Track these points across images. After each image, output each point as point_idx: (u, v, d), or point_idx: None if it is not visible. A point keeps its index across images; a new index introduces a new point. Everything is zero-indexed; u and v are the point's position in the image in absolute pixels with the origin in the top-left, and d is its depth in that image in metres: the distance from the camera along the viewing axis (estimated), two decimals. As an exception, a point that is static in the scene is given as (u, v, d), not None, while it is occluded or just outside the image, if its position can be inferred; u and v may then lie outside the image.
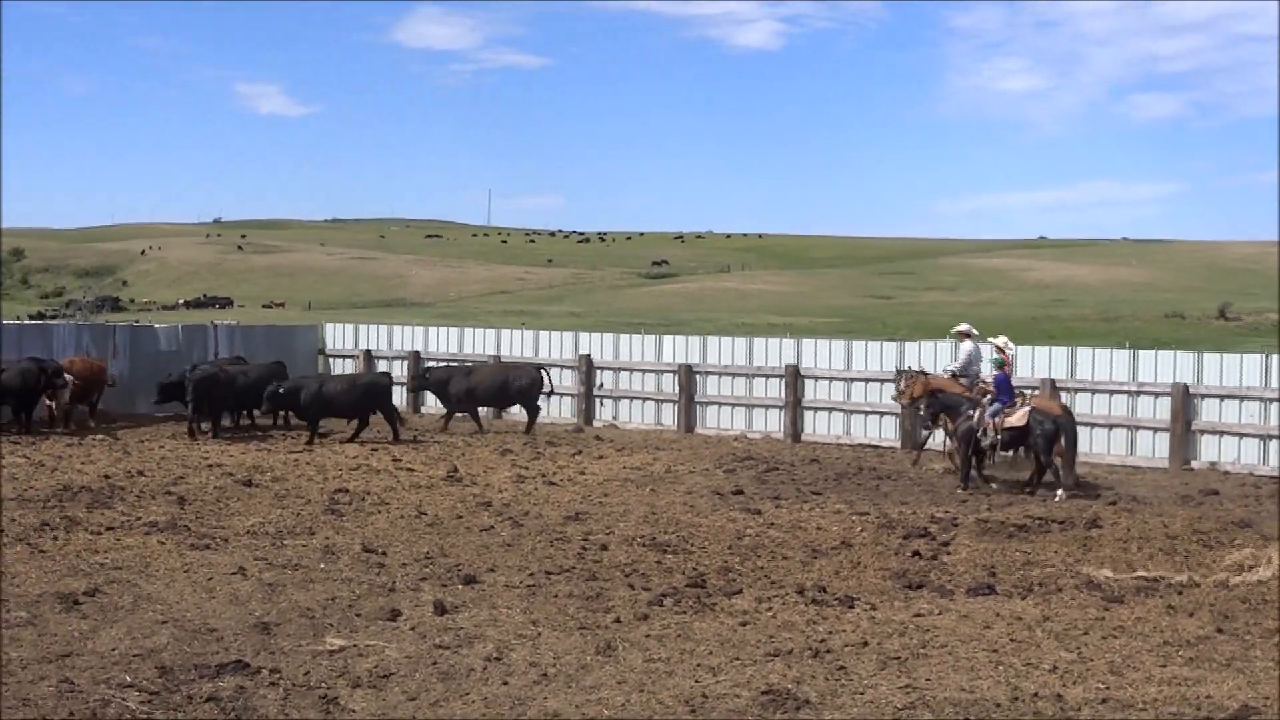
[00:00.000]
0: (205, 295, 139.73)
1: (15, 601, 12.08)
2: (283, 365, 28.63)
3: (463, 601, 12.45)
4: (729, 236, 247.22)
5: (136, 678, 9.83)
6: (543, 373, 27.85)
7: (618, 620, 11.87)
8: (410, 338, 31.94)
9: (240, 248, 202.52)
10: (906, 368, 23.82)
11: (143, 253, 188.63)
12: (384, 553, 14.65)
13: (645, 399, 28.46)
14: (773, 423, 26.75)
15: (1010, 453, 20.97)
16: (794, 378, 26.44)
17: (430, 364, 29.72)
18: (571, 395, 29.24)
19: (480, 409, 27.82)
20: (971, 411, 20.55)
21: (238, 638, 11.04)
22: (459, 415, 27.68)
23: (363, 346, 32.13)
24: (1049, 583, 13.63)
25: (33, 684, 9.63)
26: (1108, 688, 10.00)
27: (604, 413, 28.98)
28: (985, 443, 20.38)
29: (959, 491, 20.00)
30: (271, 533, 15.76)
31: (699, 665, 10.47)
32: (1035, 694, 9.80)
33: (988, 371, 21.50)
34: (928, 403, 21.41)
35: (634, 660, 10.58)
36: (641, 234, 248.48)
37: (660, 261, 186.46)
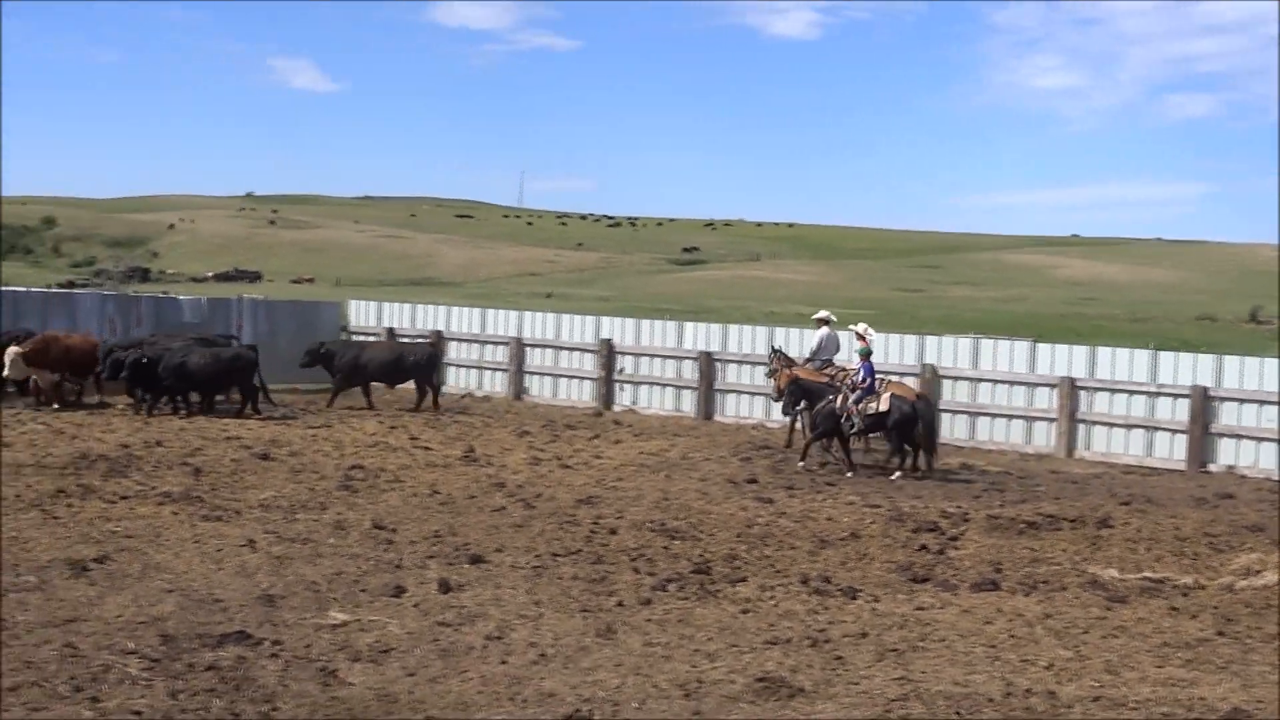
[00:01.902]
0: (235, 268, 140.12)
1: (25, 566, 12.22)
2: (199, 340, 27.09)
3: (468, 580, 12.53)
4: (760, 225, 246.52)
5: (139, 644, 9.95)
6: (436, 350, 28.48)
7: (620, 604, 11.94)
8: (433, 317, 32.06)
9: (272, 222, 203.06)
10: (777, 348, 24.62)
11: (171, 226, 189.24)
12: (394, 530, 14.75)
13: (665, 385, 28.52)
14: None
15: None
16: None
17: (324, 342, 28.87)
18: (592, 379, 29.32)
19: (372, 384, 27.86)
20: (832, 397, 21.13)
21: (242, 609, 11.16)
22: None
23: (386, 324, 32.26)
24: (1054, 580, 13.65)
25: (36, 647, 9.76)
26: (1101, 686, 10.03)
27: (624, 398, 29.05)
28: (849, 429, 21.01)
29: (800, 465, 21.07)
30: (284, 506, 15.88)
31: (697, 651, 10.54)
32: (1028, 690, 9.84)
33: (854, 360, 21.99)
34: (788, 390, 22.09)
35: (633, 644, 10.65)
36: (672, 220, 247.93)
37: (690, 248, 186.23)
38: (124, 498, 15.89)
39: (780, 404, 23.09)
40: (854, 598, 12.57)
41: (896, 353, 26.05)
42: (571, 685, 9.56)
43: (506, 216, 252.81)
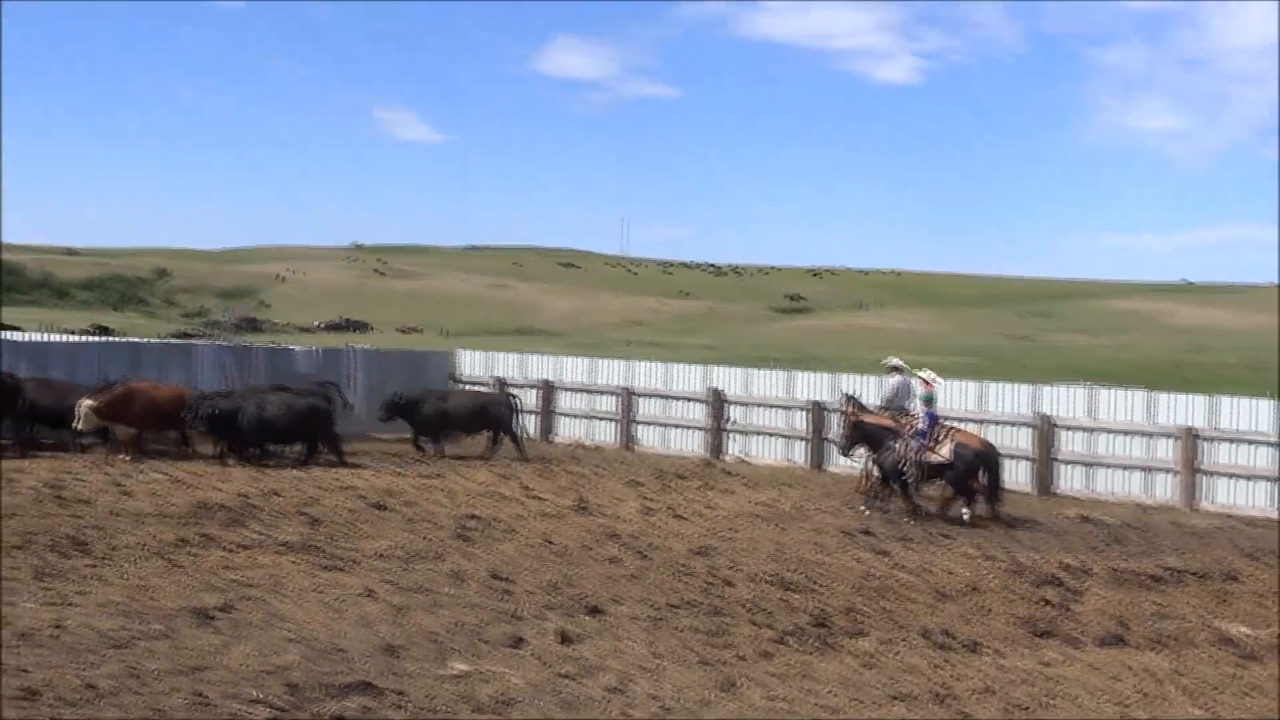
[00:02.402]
0: (342, 318, 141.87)
1: (152, 614, 12.37)
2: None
3: (587, 631, 12.51)
4: (865, 272, 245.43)
5: (265, 694, 10.00)
6: (514, 400, 28.40)
7: (740, 657, 11.85)
8: (542, 366, 32.21)
9: (379, 272, 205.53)
10: (849, 394, 24.30)
11: (279, 278, 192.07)
12: (511, 580, 14.77)
13: (775, 435, 28.39)
14: (903, 462, 26.46)
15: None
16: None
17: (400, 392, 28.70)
18: (702, 429, 29.27)
19: (451, 434, 28.01)
20: (893, 444, 21.10)
21: (364, 659, 11.20)
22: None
23: (495, 374, 32.46)
24: (1182, 636, 13.38)
25: (165, 695, 9.85)
26: (1239, 747, 9.79)
27: (734, 447, 28.95)
28: (908, 476, 20.97)
29: (863, 510, 21.09)
30: (401, 556, 15.97)
31: (820, 705, 10.43)
32: (1164, 750, 9.63)
33: (918, 406, 21.77)
34: (848, 433, 22.13)
35: (755, 697, 10.56)
36: (777, 267, 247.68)
37: (795, 296, 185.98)
38: (244, 547, 16.07)
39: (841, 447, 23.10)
40: (977, 652, 12.39)
41: (1010, 402, 25.74)
42: (695, 739, 9.49)
43: (610, 265, 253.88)
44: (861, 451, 22.44)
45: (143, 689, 9.98)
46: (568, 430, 31.22)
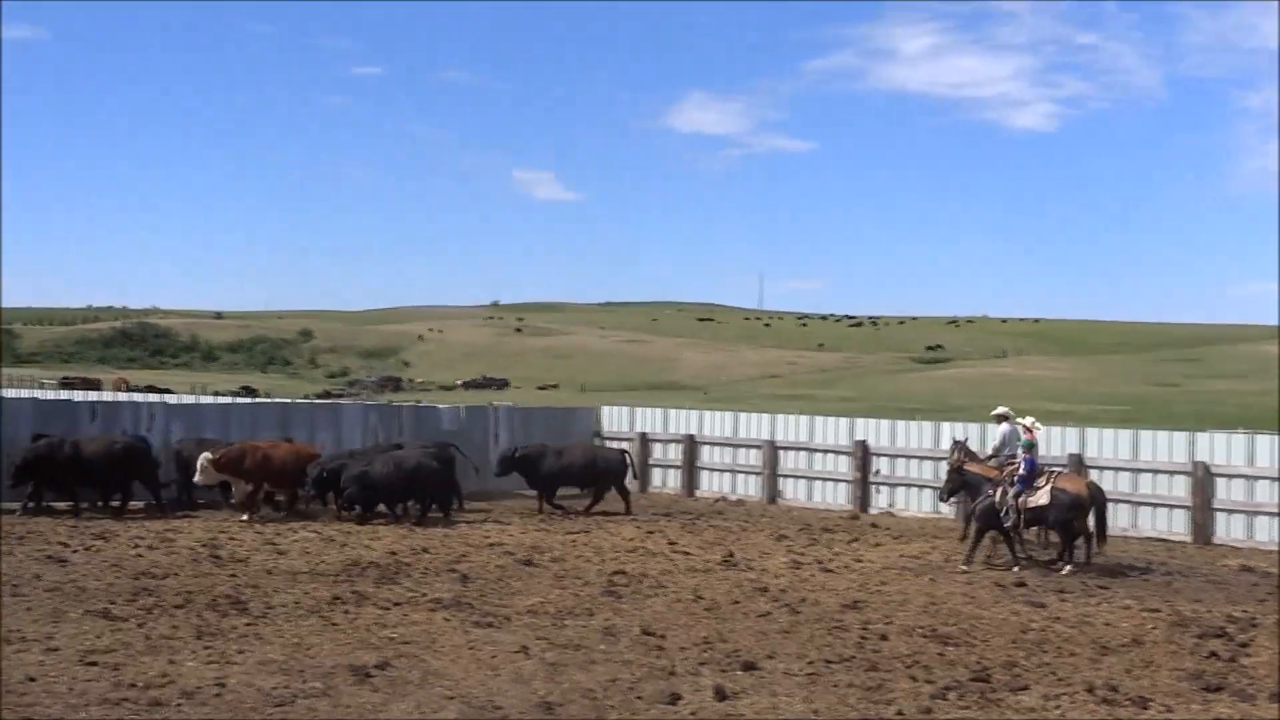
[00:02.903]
0: (483, 376, 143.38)
1: (310, 672, 12.49)
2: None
3: (743, 688, 12.38)
4: (1005, 321, 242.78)
5: (426, 752, 10.03)
6: (627, 455, 28.30)
7: (900, 713, 11.64)
8: (685, 421, 32.19)
9: (518, 329, 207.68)
10: (958, 440, 24.27)
11: (420, 338, 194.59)
12: (663, 636, 14.69)
13: (923, 486, 28.05)
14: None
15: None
16: (1076, 467, 25.66)
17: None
18: (847, 481, 29.02)
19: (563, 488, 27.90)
20: (991, 491, 20.88)
21: (522, 716, 11.19)
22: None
23: (638, 429, 32.53)
24: (1359, 690, 12.87)
25: (328, 754, 9.92)
26: None
27: (880, 500, 28.65)
28: (1007, 523, 20.72)
29: (962, 568, 20.36)
30: (552, 612, 15.97)
31: (986, 763, 10.19)
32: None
33: (1019, 452, 21.43)
34: (949, 479, 22.15)
35: (918, 755, 10.35)
36: (914, 318, 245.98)
37: (934, 346, 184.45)
38: (397, 604, 16.18)
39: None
40: (1145, 707, 12.04)
41: (1165, 449, 25.20)
42: (860, 798, 9.32)
43: (747, 319, 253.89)
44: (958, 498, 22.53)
45: (306, 747, 10.06)
46: (711, 484, 31.15)
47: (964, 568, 20.46)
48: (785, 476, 30.04)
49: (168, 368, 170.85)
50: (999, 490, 20.83)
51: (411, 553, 20.59)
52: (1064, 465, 24.68)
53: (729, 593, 17.69)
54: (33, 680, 11.88)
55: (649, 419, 32.83)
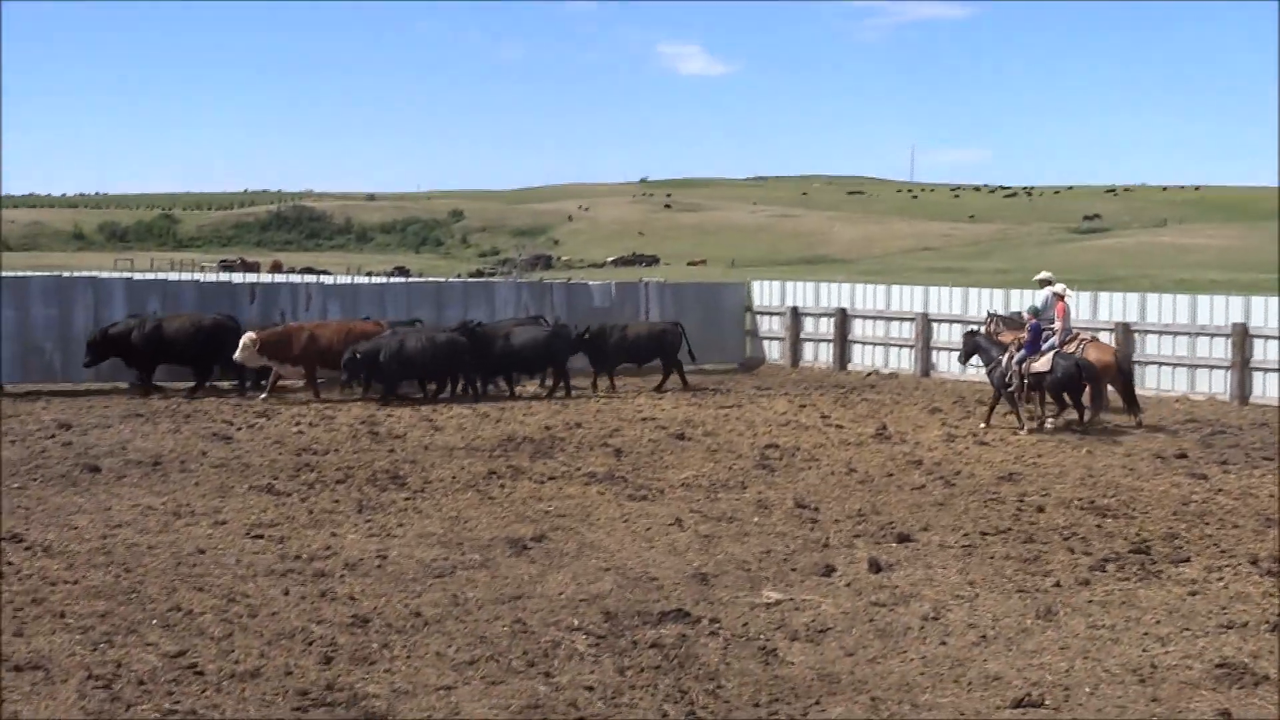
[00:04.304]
0: (632, 253, 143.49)
1: (469, 545, 12.71)
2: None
3: (897, 560, 12.34)
4: (1165, 189, 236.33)
5: (583, 621, 10.17)
6: (680, 328, 27.61)
7: (1057, 584, 11.52)
8: (836, 294, 31.90)
9: (667, 206, 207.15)
10: (992, 312, 25.49)
11: (569, 217, 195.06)
12: (816, 509, 14.69)
13: (1079, 358, 27.51)
14: (1217, 384, 25.37)
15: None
16: (1241, 337, 24.98)
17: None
18: (1002, 353, 28.56)
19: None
20: (1000, 357, 21.43)
21: (677, 587, 11.28)
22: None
23: (789, 304, 32.32)
24: None
25: (488, 623, 10.10)
26: None
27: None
28: (1010, 387, 21.14)
29: (981, 426, 21.20)
30: (705, 486, 16.04)
31: (1146, 634, 10.05)
32: None
33: (1055, 317, 22.02)
34: (964, 343, 22.91)
35: (1076, 626, 10.25)
36: (1070, 188, 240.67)
37: (1091, 216, 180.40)
38: (552, 478, 16.37)
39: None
40: (1312, 579, 11.77)
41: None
42: (1017, 668, 9.26)
43: (899, 191, 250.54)
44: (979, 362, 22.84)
45: (466, 617, 10.26)
46: (863, 358, 30.93)
47: (982, 425, 21.17)
48: (939, 349, 29.68)
49: (323, 250, 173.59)
50: (1006, 355, 21.29)
51: (565, 428, 20.77)
52: (1110, 330, 25.99)
53: (882, 465, 17.61)
54: (202, 552, 12.25)
55: (800, 293, 32.58)
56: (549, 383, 25.91)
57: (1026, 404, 21.33)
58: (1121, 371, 22.11)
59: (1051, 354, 21.01)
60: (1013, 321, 23.90)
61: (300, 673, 8.92)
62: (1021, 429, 20.83)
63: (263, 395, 24.24)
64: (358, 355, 23.67)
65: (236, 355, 24.09)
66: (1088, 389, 21.10)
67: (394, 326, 25.38)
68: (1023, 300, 28.19)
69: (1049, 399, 21.41)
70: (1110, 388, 21.92)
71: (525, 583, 11.34)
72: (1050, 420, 21.21)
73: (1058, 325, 21.78)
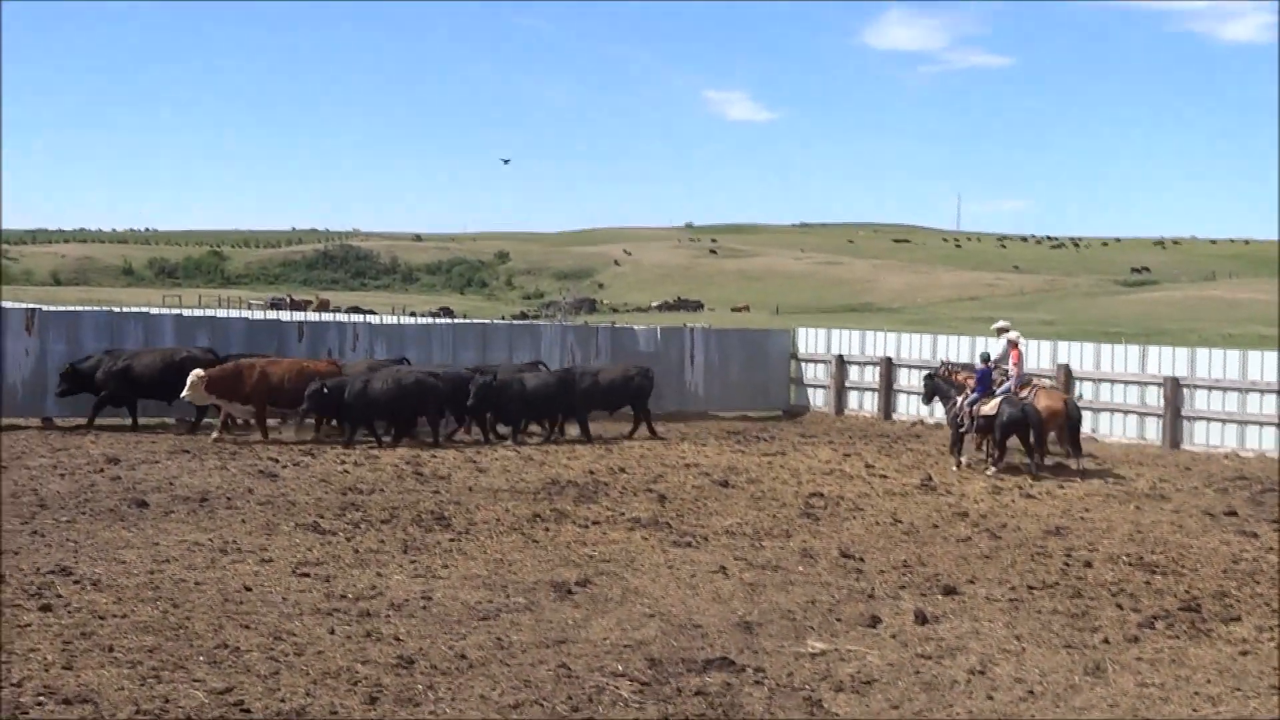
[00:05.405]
0: (677, 298, 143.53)
1: (513, 588, 12.71)
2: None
3: (943, 612, 12.27)
4: (1214, 242, 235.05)
5: (628, 667, 10.14)
6: (650, 373, 27.15)
7: (1106, 640, 11.43)
8: (882, 343, 31.83)
9: (712, 251, 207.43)
10: (944, 361, 26.76)
11: (615, 261, 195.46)
12: (861, 559, 14.63)
13: (1127, 412, 27.38)
14: (1268, 440, 25.16)
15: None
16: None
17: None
18: (1048, 405, 28.42)
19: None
20: (957, 398, 22.68)
21: (722, 635, 11.24)
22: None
23: (835, 351, 32.27)
24: None
25: (532, 667, 10.08)
26: None
27: (1083, 425, 27.99)
28: (961, 428, 22.46)
29: (952, 469, 22.22)
30: (749, 533, 16.00)
31: (1196, 694, 9.95)
32: None
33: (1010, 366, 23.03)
34: (925, 385, 24.43)
35: (1125, 683, 10.16)
36: (1118, 239, 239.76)
37: (1140, 268, 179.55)
38: (596, 523, 16.37)
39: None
40: (1365, 641, 11.62)
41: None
42: (1065, 725, 9.18)
43: (944, 240, 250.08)
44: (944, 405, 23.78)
45: (510, 660, 10.25)
46: (908, 408, 30.81)
47: (953, 468, 22.23)
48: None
49: (369, 289, 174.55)
50: (960, 398, 22.40)
51: (609, 472, 20.78)
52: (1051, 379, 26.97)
53: (928, 517, 17.53)
54: (249, 589, 12.29)
55: (845, 341, 32.53)
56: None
57: (977, 448, 22.78)
58: (1070, 418, 22.77)
59: (1000, 399, 21.86)
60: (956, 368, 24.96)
61: (345, 712, 8.93)
62: (955, 467, 22.25)
63: (213, 435, 23.41)
64: (325, 390, 23.11)
65: (184, 393, 23.32)
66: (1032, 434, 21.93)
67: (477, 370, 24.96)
68: (1055, 353, 28.22)
69: (994, 441, 22.27)
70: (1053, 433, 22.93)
71: (569, 627, 11.32)
72: (993, 468, 21.96)
73: (1012, 371, 22.73)
